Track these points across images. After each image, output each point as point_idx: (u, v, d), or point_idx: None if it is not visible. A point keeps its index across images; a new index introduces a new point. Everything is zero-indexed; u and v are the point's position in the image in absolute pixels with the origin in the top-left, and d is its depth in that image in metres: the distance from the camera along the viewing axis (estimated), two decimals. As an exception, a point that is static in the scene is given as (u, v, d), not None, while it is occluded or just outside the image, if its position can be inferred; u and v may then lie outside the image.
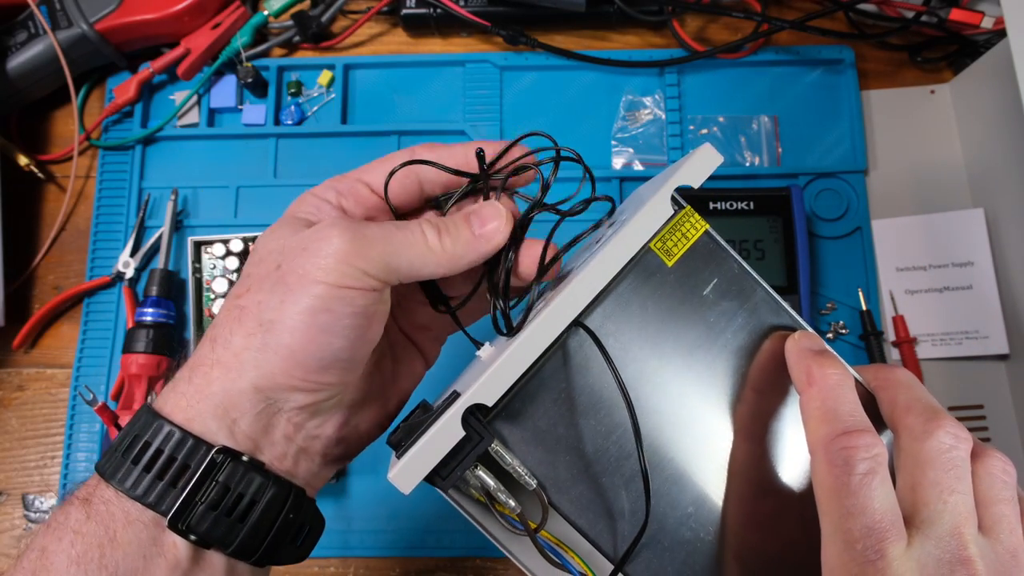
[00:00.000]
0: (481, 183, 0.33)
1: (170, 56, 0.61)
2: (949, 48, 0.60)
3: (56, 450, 0.56)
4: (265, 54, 0.63)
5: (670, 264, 0.30)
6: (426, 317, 0.36)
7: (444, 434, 0.27)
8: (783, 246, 0.53)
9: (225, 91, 0.61)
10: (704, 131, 0.60)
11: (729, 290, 0.30)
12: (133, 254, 0.58)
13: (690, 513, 0.29)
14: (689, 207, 0.30)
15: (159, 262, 0.57)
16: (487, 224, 0.31)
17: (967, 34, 0.57)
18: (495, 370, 0.27)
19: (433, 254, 0.30)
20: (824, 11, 0.58)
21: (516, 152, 0.33)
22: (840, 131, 0.59)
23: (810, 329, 0.31)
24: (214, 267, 0.58)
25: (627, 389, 0.29)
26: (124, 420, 0.53)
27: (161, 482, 0.28)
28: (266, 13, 0.62)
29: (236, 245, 0.57)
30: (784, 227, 0.54)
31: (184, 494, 0.28)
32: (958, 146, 0.58)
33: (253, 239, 0.57)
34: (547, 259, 0.32)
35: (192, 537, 0.28)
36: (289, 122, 0.61)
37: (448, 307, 0.34)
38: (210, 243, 0.58)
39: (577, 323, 0.29)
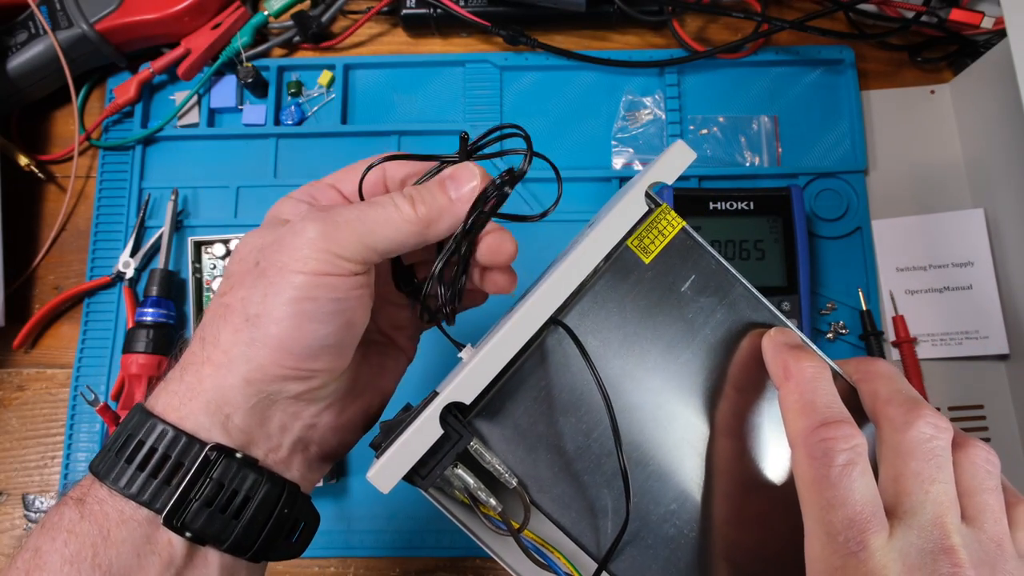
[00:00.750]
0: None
1: (170, 56, 0.61)
2: (949, 48, 0.60)
3: (56, 450, 0.56)
4: (265, 54, 0.63)
5: (647, 261, 0.30)
6: (402, 318, 0.37)
7: (422, 433, 0.27)
8: (783, 246, 0.53)
9: (225, 91, 0.62)
10: (704, 131, 0.60)
11: (707, 286, 0.30)
12: (133, 254, 0.58)
13: (673, 510, 0.29)
14: (665, 204, 0.30)
15: (159, 262, 0.57)
16: (463, 187, 0.31)
17: (967, 34, 0.57)
18: (472, 368, 0.28)
19: (409, 223, 0.30)
20: (824, 11, 0.58)
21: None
22: (840, 131, 0.59)
23: (790, 324, 0.31)
24: (214, 267, 0.58)
25: (606, 387, 0.29)
26: (124, 420, 0.53)
27: (155, 480, 0.28)
28: (266, 13, 0.62)
29: (236, 245, 0.57)
30: (784, 227, 0.54)
31: (178, 492, 0.28)
32: (958, 146, 0.58)
33: (253, 239, 0.57)
34: (506, 250, 0.31)
35: (187, 534, 0.28)
36: (289, 122, 0.61)
37: (417, 299, 0.34)
38: (210, 243, 0.58)
39: (555, 321, 0.29)
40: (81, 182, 0.62)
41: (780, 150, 0.59)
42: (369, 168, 0.32)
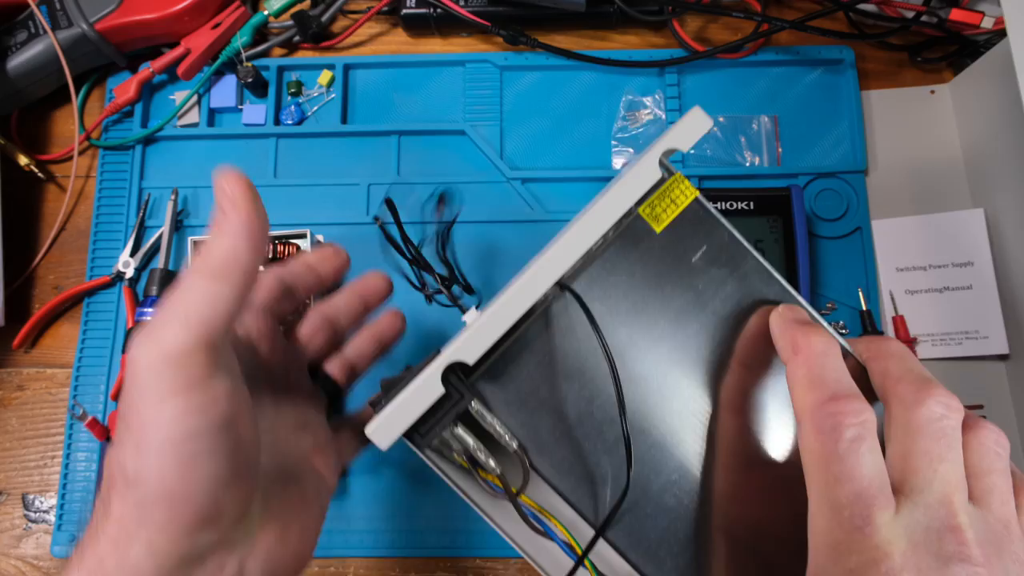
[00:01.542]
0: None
1: (170, 56, 0.61)
2: (949, 48, 0.60)
3: (56, 450, 0.56)
4: (265, 54, 0.63)
5: (658, 230, 0.30)
6: (305, 443, 0.35)
7: (423, 391, 0.27)
8: (783, 246, 0.53)
9: (225, 91, 0.61)
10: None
11: (718, 257, 0.30)
12: (133, 254, 0.58)
13: (674, 480, 0.29)
14: (679, 173, 0.30)
15: (159, 262, 0.57)
16: (228, 193, 0.26)
17: (967, 34, 0.57)
18: (476, 328, 0.27)
19: (199, 274, 0.26)
20: (824, 11, 0.58)
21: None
22: (840, 131, 0.59)
23: (802, 300, 0.30)
24: (214, 267, 0.58)
25: (612, 354, 0.28)
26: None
27: None
28: (266, 13, 0.62)
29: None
30: (784, 227, 0.54)
31: None
32: (958, 146, 0.58)
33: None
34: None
35: None
36: (289, 122, 0.61)
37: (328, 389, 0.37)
38: (210, 243, 0.58)
39: (563, 286, 0.29)
40: (81, 182, 0.62)
41: (780, 150, 0.59)
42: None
